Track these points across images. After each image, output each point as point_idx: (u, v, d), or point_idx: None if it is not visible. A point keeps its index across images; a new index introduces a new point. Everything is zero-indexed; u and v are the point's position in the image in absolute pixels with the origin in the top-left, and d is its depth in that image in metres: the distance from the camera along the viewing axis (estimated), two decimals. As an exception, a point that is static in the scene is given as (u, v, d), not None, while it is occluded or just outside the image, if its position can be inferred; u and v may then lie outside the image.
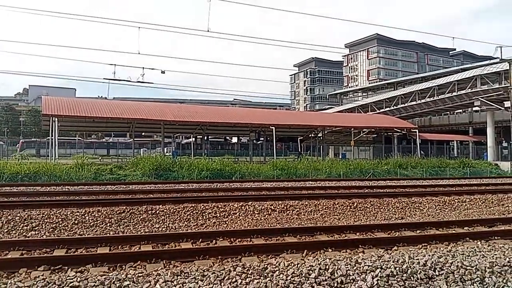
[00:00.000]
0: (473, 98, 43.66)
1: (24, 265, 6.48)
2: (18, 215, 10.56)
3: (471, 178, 26.02)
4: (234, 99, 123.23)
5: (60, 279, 4.94)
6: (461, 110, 54.48)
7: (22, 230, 9.80)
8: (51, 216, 10.66)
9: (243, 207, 12.48)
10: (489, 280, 5.35)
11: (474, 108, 48.71)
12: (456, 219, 11.85)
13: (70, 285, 4.79)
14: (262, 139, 43.78)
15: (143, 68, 27.58)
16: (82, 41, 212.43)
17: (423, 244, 8.34)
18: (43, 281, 4.89)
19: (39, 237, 9.29)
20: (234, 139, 61.84)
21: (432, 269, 5.51)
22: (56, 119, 29.63)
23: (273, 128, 36.60)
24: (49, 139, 34.92)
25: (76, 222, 10.50)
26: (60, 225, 10.25)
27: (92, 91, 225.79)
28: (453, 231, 9.91)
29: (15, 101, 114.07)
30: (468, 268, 5.61)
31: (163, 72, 28.65)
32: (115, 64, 26.28)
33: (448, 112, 56.01)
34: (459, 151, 53.02)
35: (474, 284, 5.25)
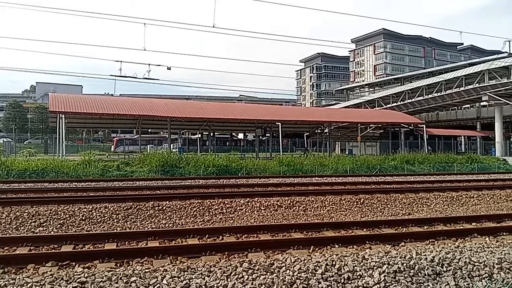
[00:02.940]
0: (481, 93, 43.32)
1: (32, 261, 6.54)
2: (26, 211, 10.64)
3: (479, 174, 25.87)
4: (240, 95, 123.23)
5: (67, 274, 4.97)
6: (468, 105, 54.08)
7: (30, 226, 9.87)
8: (59, 212, 10.72)
9: (249, 203, 12.48)
10: (497, 276, 5.30)
11: (482, 103, 48.30)
12: (464, 215, 11.78)
13: (77, 280, 4.81)
14: (268, 135, 43.76)
15: (149, 64, 27.75)
16: (89, 38, 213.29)
17: (430, 240, 8.30)
18: (51, 276, 4.92)
19: (47, 233, 9.35)
20: (240, 135, 61.88)
21: (440, 265, 5.48)
22: (63, 116, 29.79)
23: (279, 124, 36.56)
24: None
25: (83, 218, 10.56)
26: (67, 221, 10.31)
27: (98, 87, 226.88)
28: (461, 227, 9.86)
29: (23, 98, 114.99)
30: (476, 264, 5.57)
31: (169, 68, 28.82)
32: (121, 61, 26.50)
33: (456, 107, 55.64)
34: (467, 147, 52.64)
35: (483, 280, 5.20)
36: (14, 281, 4.82)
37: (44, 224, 10.05)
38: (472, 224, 10.31)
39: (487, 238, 8.22)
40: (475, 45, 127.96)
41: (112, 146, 53.95)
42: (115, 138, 58.11)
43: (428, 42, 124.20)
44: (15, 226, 9.87)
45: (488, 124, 50.19)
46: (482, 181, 20.38)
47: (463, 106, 55.01)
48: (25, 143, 68.81)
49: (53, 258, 6.66)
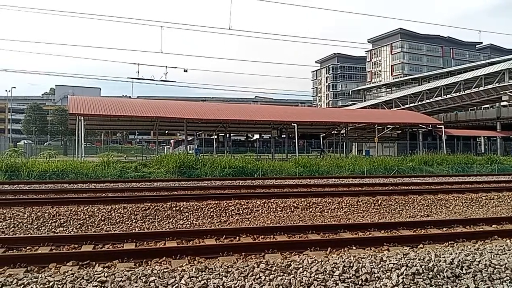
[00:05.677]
0: (501, 92, 42.61)
1: (54, 260, 6.65)
2: (47, 211, 10.83)
3: (499, 175, 25.38)
4: (256, 96, 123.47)
5: (88, 274, 5.05)
6: (488, 105, 53.16)
7: (50, 226, 10.04)
8: (79, 212, 10.90)
9: (265, 204, 12.48)
10: (519, 279, 5.20)
11: (502, 103, 47.46)
12: (484, 217, 11.59)
13: (98, 280, 4.89)
14: (284, 136, 43.71)
15: (166, 67, 27.97)
16: (107, 41, 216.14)
17: (449, 242, 8.17)
18: (72, 275, 5.01)
19: (67, 233, 9.51)
20: (256, 137, 62.00)
21: (459, 268, 5.40)
22: (82, 118, 30.29)
23: (295, 125, 36.50)
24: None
25: (102, 218, 10.71)
26: (87, 222, 10.47)
27: (116, 90, 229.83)
28: (481, 229, 9.69)
29: (42, 101, 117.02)
30: (497, 266, 5.48)
31: (185, 70, 29.00)
32: (138, 63, 26.75)
33: (475, 107, 54.75)
34: (487, 147, 51.71)
35: (504, 283, 5.12)
36: (36, 279, 4.92)
37: (64, 224, 10.22)
38: (493, 226, 10.12)
39: (508, 241, 8.06)
40: (495, 44, 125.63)
41: (171, 148, 56.75)
42: (172, 140, 60.82)
43: (446, 41, 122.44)
44: (36, 226, 10.05)
45: (509, 124, 49.21)
46: (502, 182, 19.99)
47: (483, 106, 54.11)
48: (45, 144, 69.97)
49: (74, 257, 6.77)
